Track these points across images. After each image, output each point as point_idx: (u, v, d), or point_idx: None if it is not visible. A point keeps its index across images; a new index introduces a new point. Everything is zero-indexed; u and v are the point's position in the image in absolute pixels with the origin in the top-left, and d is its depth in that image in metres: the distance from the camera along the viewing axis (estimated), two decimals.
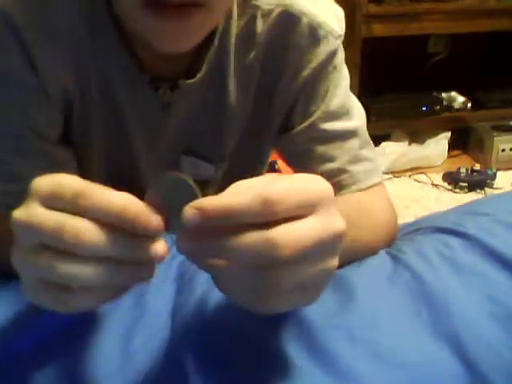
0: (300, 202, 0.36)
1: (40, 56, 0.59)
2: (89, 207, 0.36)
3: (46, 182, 0.38)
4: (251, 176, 0.93)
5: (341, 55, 0.67)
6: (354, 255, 0.58)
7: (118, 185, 0.78)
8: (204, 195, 0.82)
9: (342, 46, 0.67)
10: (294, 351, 0.44)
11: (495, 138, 2.26)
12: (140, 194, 0.83)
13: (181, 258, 0.58)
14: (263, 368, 0.40)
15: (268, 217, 0.35)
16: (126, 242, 0.37)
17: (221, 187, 0.79)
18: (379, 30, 1.99)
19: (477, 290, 0.50)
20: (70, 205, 0.36)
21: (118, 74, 0.63)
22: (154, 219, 0.37)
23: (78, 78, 0.62)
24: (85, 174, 0.74)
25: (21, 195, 0.62)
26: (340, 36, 0.66)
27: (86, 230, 0.35)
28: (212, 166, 0.73)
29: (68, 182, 0.37)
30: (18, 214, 0.37)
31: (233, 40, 0.63)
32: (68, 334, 0.47)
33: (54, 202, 0.37)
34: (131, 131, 0.68)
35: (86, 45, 0.61)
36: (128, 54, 0.61)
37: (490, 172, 2.17)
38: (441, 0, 2.08)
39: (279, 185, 0.36)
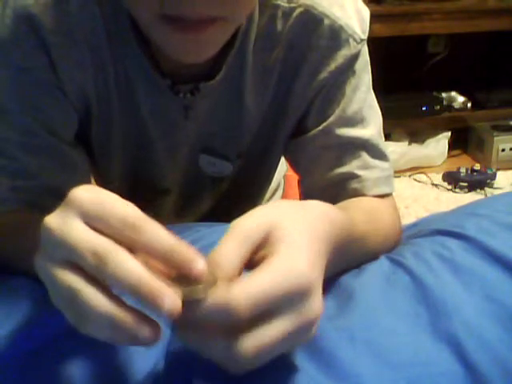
0: (269, 305, 0.36)
1: (60, 57, 0.60)
2: (139, 241, 0.35)
3: (87, 197, 0.36)
4: (263, 173, 0.94)
5: (362, 60, 0.66)
6: (359, 263, 0.58)
7: (136, 184, 0.79)
8: (219, 189, 0.83)
9: (365, 50, 0.66)
10: (295, 354, 0.44)
11: (495, 138, 2.26)
12: (156, 193, 0.84)
13: None
14: (264, 371, 0.40)
15: (234, 324, 0.36)
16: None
17: (232, 183, 0.80)
18: (379, 30, 1.99)
19: (476, 291, 0.50)
20: (116, 232, 0.35)
21: (138, 78, 0.63)
22: (199, 263, 0.35)
23: (97, 81, 0.63)
24: (103, 172, 0.76)
25: (32, 191, 0.63)
26: (362, 40, 0.64)
27: (129, 268, 0.34)
28: (229, 164, 0.73)
29: (113, 205, 0.35)
30: (53, 222, 0.36)
31: (253, 40, 0.63)
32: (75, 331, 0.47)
33: (96, 222, 0.35)
34: (151, 134, 0.68)
35: (106, 49, 0.61)
36: (148, 59, 0.61)
37: (489, 172, 2.17)
38: (441, 0, 2.09)
39: (247, 293, 0.36)
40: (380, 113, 0.70)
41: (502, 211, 0.63)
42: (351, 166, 0.66)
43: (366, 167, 0.66)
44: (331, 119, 0.66)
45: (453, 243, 0.57)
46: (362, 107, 0.66)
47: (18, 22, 0.57)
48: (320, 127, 0.66)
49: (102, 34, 0.60)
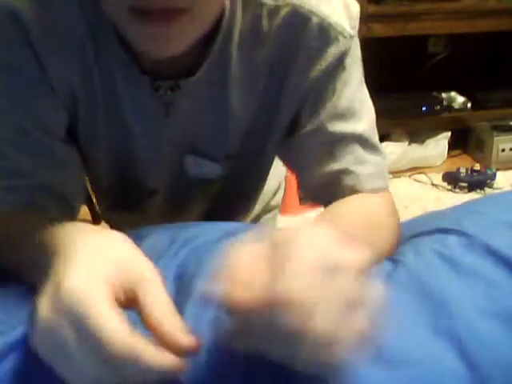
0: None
1: (46, 53, 0.60)
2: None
3: None
4: (256, 173, 0.92)
5: (353, 55, 0.65)
6: None
7: (124, 184, 0.78)
8: (210, 191, 0.81)
9: (355, 44, 0.65)
10: None
11: (495, 138, 2.26)
12: (143, 193, 0.83)
13: (180, 258, 0.57)
14: (270, 370, 0.40)
15: None
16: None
17: (225, 184, 0.79)
18: (379, 30, 1.99)
19: (476, 289, 0.50)
20: None
21: (120, 75, 0.63)
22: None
23: (82, 78, 0.63)
24: (93, 171, 0.75)
25: (26, 191, 0.62)
26: (352, 36, 0.64)
27: None
28: (218, 165, 0.73)
29: None
30: None
31: (236, 38, 0.62)
32: None
33: None
34: (133, 131, 0.68)
35: (90, 45, 0.61)
36: (128, 55, 0.61)
37: (489, 172, 2.17)
38: (441, 0, 2.09)
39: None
40: (372, 107, 0.69)
41: (503, 209, 0.63)
42: (345, 162, 0.66)
43: (359, 162, 0.66)
44: (323, 116, 0.65)
45: (453, 241, 0.57)
46: (354, 102, 0.66)
47: (2, 17, 0.58)
48: (312, 124, 0.66)
49: (85, 31, 0.60)
